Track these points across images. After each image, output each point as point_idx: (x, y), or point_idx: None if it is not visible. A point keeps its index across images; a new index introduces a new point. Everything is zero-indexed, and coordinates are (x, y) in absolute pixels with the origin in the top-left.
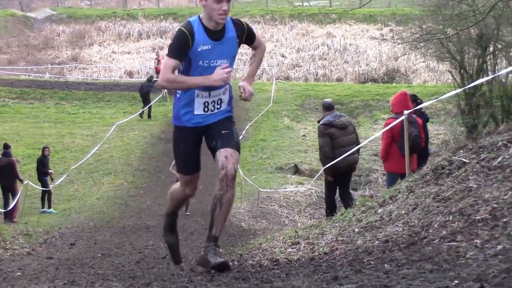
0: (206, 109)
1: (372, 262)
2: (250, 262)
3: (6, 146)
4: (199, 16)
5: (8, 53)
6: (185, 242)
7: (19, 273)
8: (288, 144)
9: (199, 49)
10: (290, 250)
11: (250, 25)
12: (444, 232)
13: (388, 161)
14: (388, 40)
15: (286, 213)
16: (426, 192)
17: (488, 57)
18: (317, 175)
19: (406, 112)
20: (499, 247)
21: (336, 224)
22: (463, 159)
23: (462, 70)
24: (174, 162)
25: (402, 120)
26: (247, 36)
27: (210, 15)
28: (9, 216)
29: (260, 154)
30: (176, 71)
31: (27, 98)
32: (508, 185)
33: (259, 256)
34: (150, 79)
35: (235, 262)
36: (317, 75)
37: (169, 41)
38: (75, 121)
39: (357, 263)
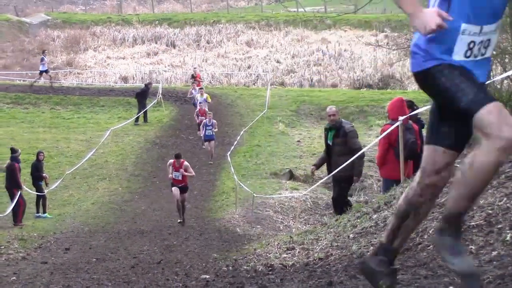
0: (468, 53)
1: None
2: (245, 267)
3: (12, 151)
4: None
5: (3, 58)
6: (180, 248)
7: (14, 278)
8: (283, 149)
9: None
10: (285, 255)
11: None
12: None
13: (384, 167)
14: (383, 46)
15: (281, 219)
16: None
17: None
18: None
19: (401, 118)
20: (494, 253)
21: (331, 230)
22: (457, 165)
23: None
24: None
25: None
26: None
27: None
28: (16, 220)
29: (255, 160)
30: None
31: (22, 103)
32: (503, 191)
33: (254, 262)
34: (147, 85)
35: (230, 268)
36: (312, 81)
37: (163, 47)
38: (70, 126)
39: (352, 268)
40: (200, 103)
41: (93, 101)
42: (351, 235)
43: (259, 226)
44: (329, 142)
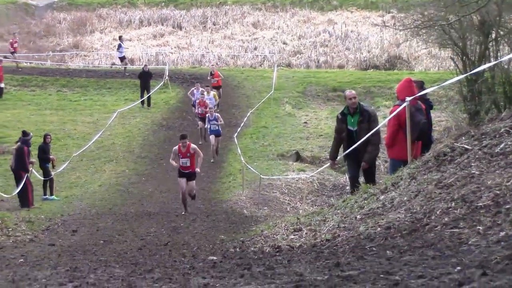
0: None
1: (374, 249)
2: (252, 249)
3: (23, 133)
4: None
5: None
6: (187, 229)
7: (22, 260)
8: (289, 131)
9: None
10: (292, 236)
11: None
12: (446, 219)
13: (393, 148)
14: (389, 27)
15: (288, 200)
16: (428, 178)
17: (491, 44)
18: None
19: (408, 98)
20: (502, 233)
21: (338, 211)
22: (465, 146)
23: (464, 57)
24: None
25: (410, 107)
26: None
27: None
28: (25, 203)
29: (262, 141)
30: None
31: (29, 85)
32: (510, 171)
33: (261, 243)
34: (144, 68)
35: (237, 249)
36: (318, 62)
37: (170, 29)
38: (76, 108)
39: (359, 249)
40: (206, 99)
41: (99, 83)
42: (358, 216)
43: (266, 208)
44: (351, 128)
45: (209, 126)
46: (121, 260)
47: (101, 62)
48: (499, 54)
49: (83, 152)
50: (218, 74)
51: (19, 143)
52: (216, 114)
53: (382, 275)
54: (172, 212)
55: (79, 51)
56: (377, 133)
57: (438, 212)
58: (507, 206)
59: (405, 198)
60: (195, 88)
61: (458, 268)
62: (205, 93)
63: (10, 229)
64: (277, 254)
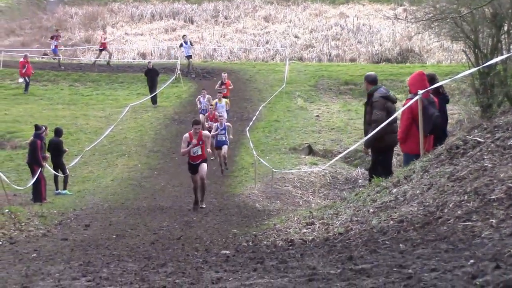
0: None
1: (387, 242)
2: (265, 242)
3: (36, 128)
4: None
5: (22, 35)
6: (199, 223)
7: (35, 254)
8: (301, 124)
9: None
10: (305, 230)
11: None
12: (459, 212)
13: (406, 142)
14: (401, 20)
15: (300, 194)
16: (441, 171)
17: (503, 36)
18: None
19: (420, 92)
20: None
21: (351, 205)
22: (478, 139)
23: (476, 50)
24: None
25: (423, 100)
26: None
27: None
28: (38, 198)
29: (274, 135)
30: None
31: (41, 80)
32: None
33: (274, 237)
34: (150, 66)
35: (250, 243)
36: (330, 55)
37: (181, 23)
38: (88, 103)
39: (372, 243)
40: (216, 109)
41: (111, 77)
42: (371, 210)
43: (278, 201)
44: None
45: (215, 137)
46: (134, 254)
47: (113, 57)
48: (511, 46)
49: (95, 147)
50: (230, 83)
51: (31, 138)
52: (227, 123)
53: (395, 269)
54: (185, 206)
55: (90, 45)
56: (375, 119)
57: (451, 205)
58: None
59: (417, 191)
60: (201, 96)
61: (471, 261)
62: (216, 100)
63: (23, 223)
64: (290, 248)
